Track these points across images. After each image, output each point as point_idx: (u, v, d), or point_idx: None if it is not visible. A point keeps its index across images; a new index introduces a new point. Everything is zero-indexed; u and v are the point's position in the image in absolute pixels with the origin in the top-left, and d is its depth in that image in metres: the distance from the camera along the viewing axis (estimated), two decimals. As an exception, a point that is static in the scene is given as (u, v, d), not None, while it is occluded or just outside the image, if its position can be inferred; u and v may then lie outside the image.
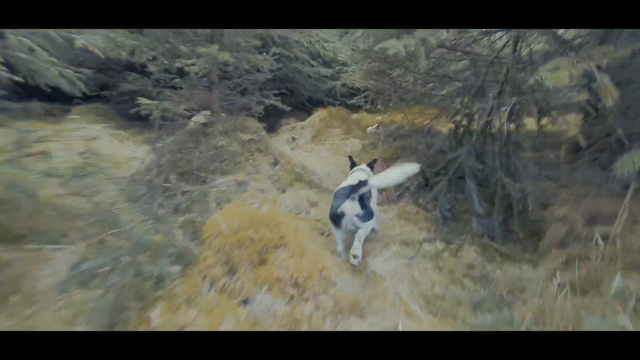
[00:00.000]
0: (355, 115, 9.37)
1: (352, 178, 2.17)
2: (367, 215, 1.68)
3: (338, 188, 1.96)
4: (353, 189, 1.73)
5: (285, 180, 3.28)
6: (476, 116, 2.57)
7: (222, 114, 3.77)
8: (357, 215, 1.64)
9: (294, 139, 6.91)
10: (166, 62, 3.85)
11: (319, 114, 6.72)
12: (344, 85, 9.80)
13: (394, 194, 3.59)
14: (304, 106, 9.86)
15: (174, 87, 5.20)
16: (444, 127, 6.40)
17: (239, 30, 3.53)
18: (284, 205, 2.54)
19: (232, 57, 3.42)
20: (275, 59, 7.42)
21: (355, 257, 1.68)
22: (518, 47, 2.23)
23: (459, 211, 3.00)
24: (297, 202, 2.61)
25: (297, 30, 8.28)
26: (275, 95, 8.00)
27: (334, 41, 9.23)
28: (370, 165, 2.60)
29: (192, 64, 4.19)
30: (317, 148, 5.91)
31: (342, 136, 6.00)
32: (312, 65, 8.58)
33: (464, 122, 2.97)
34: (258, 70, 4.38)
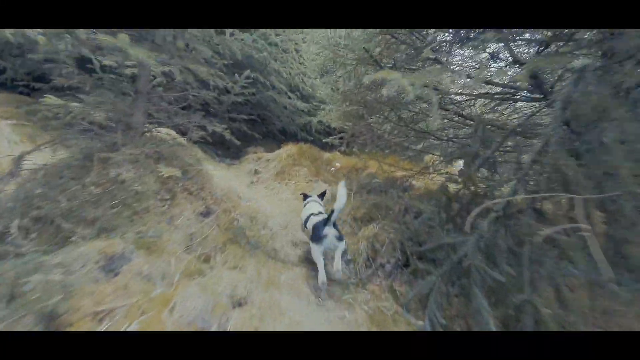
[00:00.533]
0: (327, 155, 8.60)
1: (308, 209, 2.70)
2: (341, 235, 2.19)
3: (314, 222, 2.31)
4: (329, 218, 2.16)
5: (216, 241, 2.18)
6: (486, 199, 1.79)
7: (148, 134, 2.68)
8: (335, 237, 2.15)
9: (256, 171, 5.86)
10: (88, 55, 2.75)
11: (288, 150, 5.79)
12: (320, 122, 9.16)
13: (365, 271, 2.62)
14: (275, 137, 8.96)
15: (124, 94, 4.03)
16: (418, 181, 5.80)
17: (186, 31, 2.58)
18: (181, 310, 1.38)
19: (162, 61, 2.40)
20: (248, 82, 6.57)
21: (337, 270, 2.13)
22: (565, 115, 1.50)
23: (451, 314, 2.09)
24: (209, 302, 1.48)
25: (278, 60, 7.62)
26: (245, 120, 7.08)
27: (313, 77, 8.68)
28: (321, 196, 3.08)
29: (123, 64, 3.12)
30: (280, 187, 4.89)
31: (310, 177, 5.06)
32: (289, 97, 7.85)
33: (465, 193, 2.20)
34: (206, 88, 3.39)
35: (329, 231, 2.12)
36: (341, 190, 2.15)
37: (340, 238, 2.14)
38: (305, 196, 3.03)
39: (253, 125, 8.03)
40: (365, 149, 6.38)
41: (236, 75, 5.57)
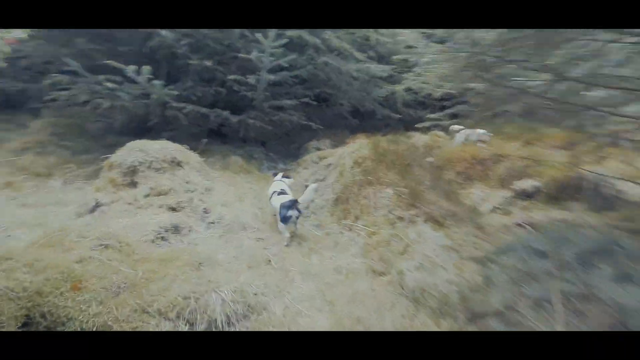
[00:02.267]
0: (422, 140, 5.62)
1: (274, 187, 2.86)
2: (299, 215, 2.51)
3: (283, 202, 2.53)
4: (293, 203, 2.47)
5: None
6: None
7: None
8: (296, 217, 2.48)
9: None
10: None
11: (354, 149, 3.29)
12: (409, 90, 6.12)
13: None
14: (344, 120, 6.46)
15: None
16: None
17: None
18: None
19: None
20: (285, 47, 4.07)
21: (294, 233, 2.57)
22: None
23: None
24: None
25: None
26: (295, 106, 4.84)
27: None
28: (287, 176, 3.14)
29: None
30: (340, 237, 2.54)
31: (397, 205, 2.48)
32: (359, 60, 5.16)
33: None
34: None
35: (293, 213, 2.44)
36: (310, 190, 2.62)
37: (298, 218, 2.52)
38: (275, 174, 3.17)
39: (312, 109, 5.76)
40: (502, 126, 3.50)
41: (259, 36, 3.31)
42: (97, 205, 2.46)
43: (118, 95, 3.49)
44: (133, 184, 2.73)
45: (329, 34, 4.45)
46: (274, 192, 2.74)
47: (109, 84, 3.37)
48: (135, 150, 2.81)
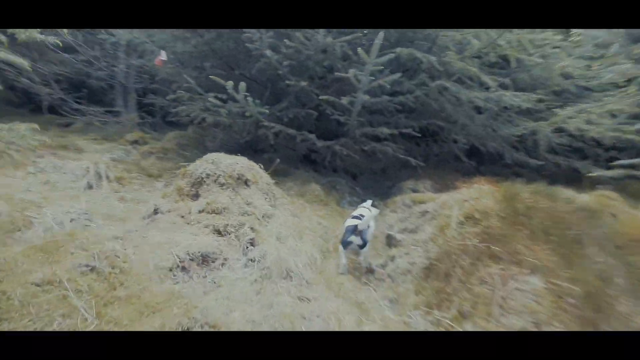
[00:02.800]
0: (575, 199, 3.69)
1: (358, 210, 2.69)
2: (363, 245, 2.31)
3: (347, 225, 2.39)
4: (356, 228, 2.30)
5: None
6: None
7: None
8: (358, 244, 2.30)
9: (391, 240, 2.70)
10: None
11: (472, 196, 2.18)
12: (560, 131, 4.35)
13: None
14: (456, 162, 5.15)
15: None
16: None
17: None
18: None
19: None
20: (390, 67, 3.36)
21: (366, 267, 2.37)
22: None
23: None
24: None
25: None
26: (395, 137, 4.02)
27: (550, 36, 4.10)
28: (374, 205, 2.96)
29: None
30: None
31: (555, 314, 1.27)
32: (487, 88, 4.00)
33: None
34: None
35: (354, 239, 2.30)
36: (372, 211, 2.53)
37: (362, 246, 2.32)
38: (362, 200, 3.20)
39: (414, 143, 4.83)
40: None
41: (360, 50, 2.81)
42: (155, 212, 2.31)
43: (220, 112, 3.60)
44: (197, 196, 2.52)
45: (450, 55, 3.58)
46: (352, 215, 2.57)
47: (214, 101, 3.51)
48: (208, 162, 2.66)
